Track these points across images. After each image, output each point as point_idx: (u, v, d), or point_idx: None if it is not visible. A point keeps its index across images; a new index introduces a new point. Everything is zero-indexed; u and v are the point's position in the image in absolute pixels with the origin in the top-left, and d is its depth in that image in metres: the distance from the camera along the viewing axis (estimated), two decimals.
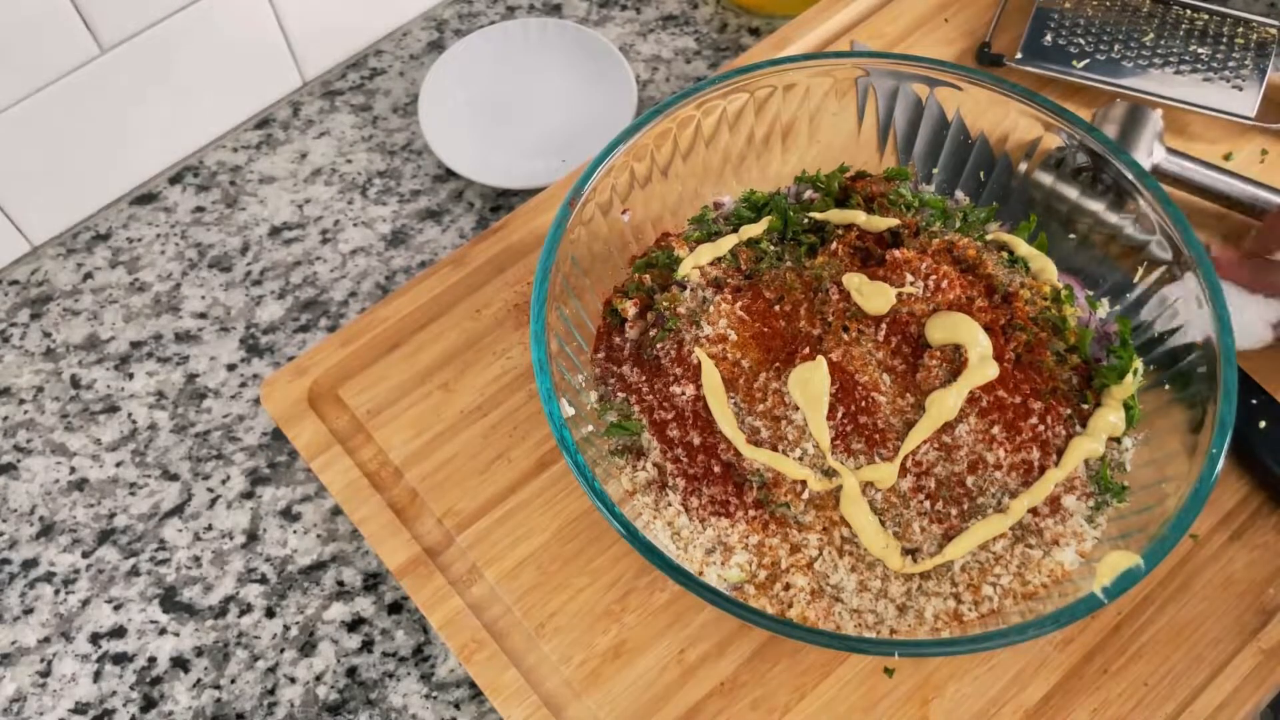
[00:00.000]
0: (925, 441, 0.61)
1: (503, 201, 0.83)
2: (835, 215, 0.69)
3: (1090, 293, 0.69)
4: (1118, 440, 0.63)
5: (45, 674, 0.67)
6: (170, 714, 0.65)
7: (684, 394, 0.63)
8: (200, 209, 0.83)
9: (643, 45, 0.91)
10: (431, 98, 0.85)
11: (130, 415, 0.75)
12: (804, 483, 0.61)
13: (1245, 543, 0.66)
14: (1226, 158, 0.79)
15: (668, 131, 0.68)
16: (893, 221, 0.68)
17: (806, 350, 0.63)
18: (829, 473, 0.61)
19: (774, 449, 0.61)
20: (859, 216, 0.68)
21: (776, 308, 0.66)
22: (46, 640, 0.68)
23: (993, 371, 0.61)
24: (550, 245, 0.63)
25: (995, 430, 0.61)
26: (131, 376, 0.76)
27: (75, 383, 0.76)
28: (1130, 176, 0.65)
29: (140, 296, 0.80)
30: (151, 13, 0.75)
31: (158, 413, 0.75)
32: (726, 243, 0.69)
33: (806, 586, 0.60)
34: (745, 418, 0.63)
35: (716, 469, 0.62)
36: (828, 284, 0.65)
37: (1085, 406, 0.63)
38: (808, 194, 0.72)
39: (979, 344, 0.62)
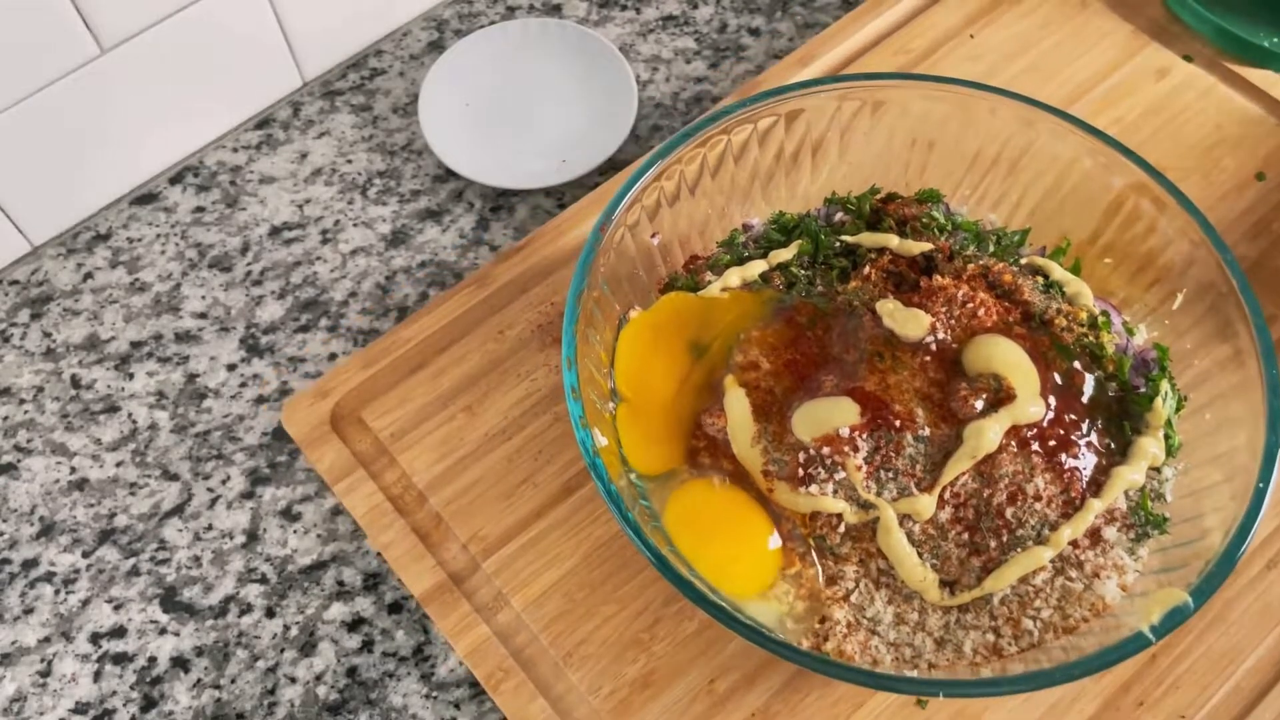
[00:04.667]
0: (963, 473, 0.59)
1: (503, 201, 0.83)
2: (867, 239, 0.68)
3: (1127, 318, 0.66)
4: (1157, 470, 0.61)
5: (45, 674, 0.67)
6: (170, 714, 0.65)
7: (715, 424, 0.62)
8: (200, 209, 0.83)
9: (643, 45, 0.91)
10: (431, 98, 0.85)
11: (130, 415, 0.75)
12: (840, 515, 0.59)
13: None
14: (1259, 178, 0.78)
15: (696, 150, 0.67)
16: (926, 246, 0.66)
17: (832, 379, 0.62)
18: (865, 505, 0.59)
19: (808, 481, 0.59)
20: (892, 240, 0.67)
21: (809, 334, 0.64)
22: (47, 640, 0.68)
23: (1037, 410, 0.59)
24: (581, 272, 0.62)
25: (1035, 460, 0.59)
26: (131, 376, 0.76)
27: (75, 383, 0.76)
28: (1173, 199, 0.64)
29: (140, 296, 0.80)
30: (151, 13, 0.75)
31: (158, 413, 0.75)
32: (756, 267, 0.67)
33: (843, 619, 0.58)
34: (773, 452, 0.61)
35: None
36: (861, 310, 0.64)
37: (1125, 435, 0.61)
38: (838, 216, 0.71)
39: (1026, 377, 0.60)
